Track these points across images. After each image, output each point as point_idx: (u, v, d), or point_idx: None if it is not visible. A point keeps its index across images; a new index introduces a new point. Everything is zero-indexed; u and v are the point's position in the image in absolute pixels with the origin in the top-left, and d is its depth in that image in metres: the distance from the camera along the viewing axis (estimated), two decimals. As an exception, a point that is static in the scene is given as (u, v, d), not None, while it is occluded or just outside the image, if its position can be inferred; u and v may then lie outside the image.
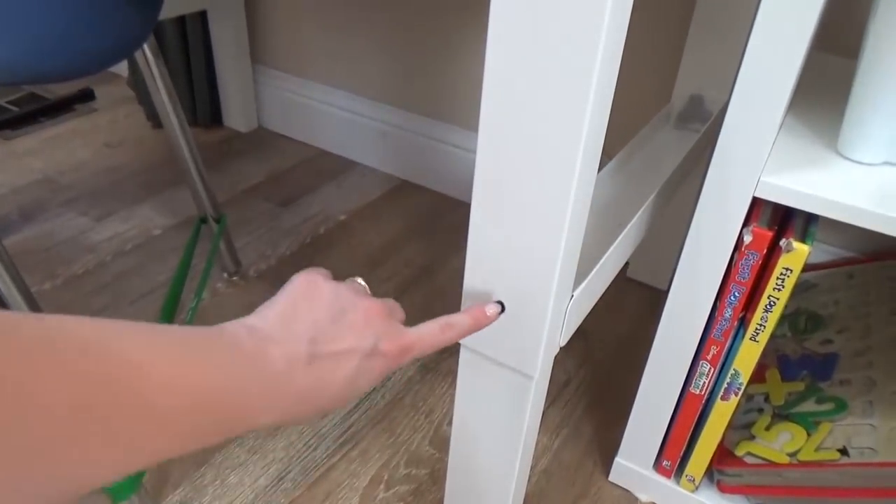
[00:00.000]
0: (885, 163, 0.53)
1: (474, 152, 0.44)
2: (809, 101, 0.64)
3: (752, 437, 0.67)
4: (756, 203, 0.52)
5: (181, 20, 1.31)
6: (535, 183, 0.43)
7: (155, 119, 1.43)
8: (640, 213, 0.59)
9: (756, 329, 0.55)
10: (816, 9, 0.44)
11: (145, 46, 0.78)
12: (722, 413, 0.62)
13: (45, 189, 1.21)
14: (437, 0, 1.12)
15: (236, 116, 1.44)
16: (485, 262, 0.48)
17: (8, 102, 1.47)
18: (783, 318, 0.79)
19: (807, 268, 0.87)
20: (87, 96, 1.53)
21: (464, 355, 0.55)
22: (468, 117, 1.19)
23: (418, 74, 1.21)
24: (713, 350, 0.59)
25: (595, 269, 0.52)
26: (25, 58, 0.50)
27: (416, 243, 1.14)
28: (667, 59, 0.95)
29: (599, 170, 0.51)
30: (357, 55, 1.26)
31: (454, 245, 1.14)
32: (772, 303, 0.53)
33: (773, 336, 0.77)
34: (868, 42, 0.49)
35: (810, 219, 0.54)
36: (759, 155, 0.49)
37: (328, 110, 1.35)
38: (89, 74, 0.56)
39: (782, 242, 0.51)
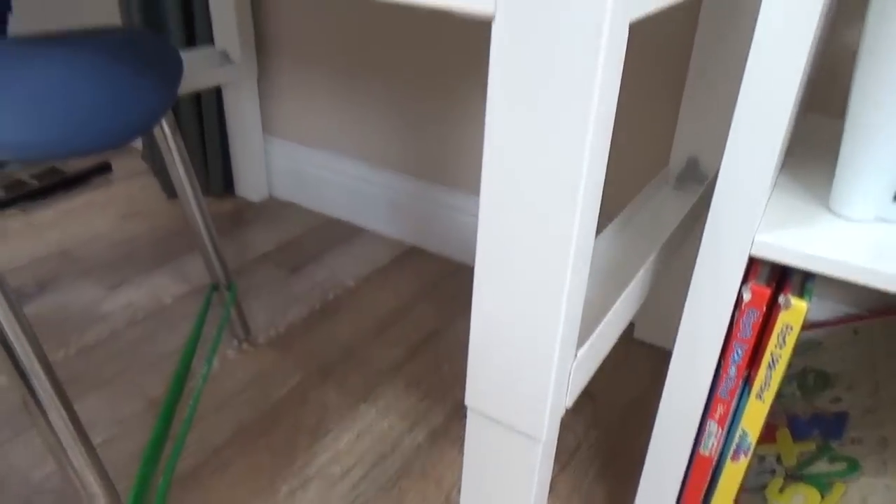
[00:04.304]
0: (877, 219, 0.54)
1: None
2: (801, 160, 0.66)
3: (766, 500, 0.66)
4: (755, 260, 0.54)
5: (196, 94, 1.37)
6: (534, 245, 0.44)
7: (169, 190, 1.48)
8: (641, 272, 0.60)
9: (761, 387, 0.56)
10: (798, 73, 0.47)
11: (163, 121, 0.82)
12: (733, 475, 0.61)
13: (61, 260, 1.24)
14: (440, 72, 1.17)
15: (248, 186, 1.48)
16: (489, 323, 0.50)
17: (29, 176, 1.52)
18: (791, 377, 0.79)
19: (812, 325, 0.87)
20: (104, 169, 1.58)
21: (471, 418, 0.56)
22: (474, 183, 1.22)
23: (424, 142, 1.25)
24: (720, 409, 0.59)
25: (598, 329, 0.53)
26: (52, 138, 0.53)
27: (423, 307, 1.15)
28: (664, 123, 0.99)
29: (602, 230, 0.53)
30: (365, 125, 1.31)
31: (462, 308, 1.15)
32: (774, 360, 0.54)
33: (781, 395, 0.77)
34: (853, 101, 0.51)
35: (808, 275, 0.55)
36: (752, 214, 0.51)
37: (337, 178, 1.39)
38: (110, 150, 0.59)
39: (780, 299, 0.52)
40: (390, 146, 1.30)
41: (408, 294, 1.18)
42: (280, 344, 1.05)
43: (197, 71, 1.24)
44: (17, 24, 1.83)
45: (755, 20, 0.80)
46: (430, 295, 1.18)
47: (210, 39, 1.33)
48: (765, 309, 0.53)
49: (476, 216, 1.22)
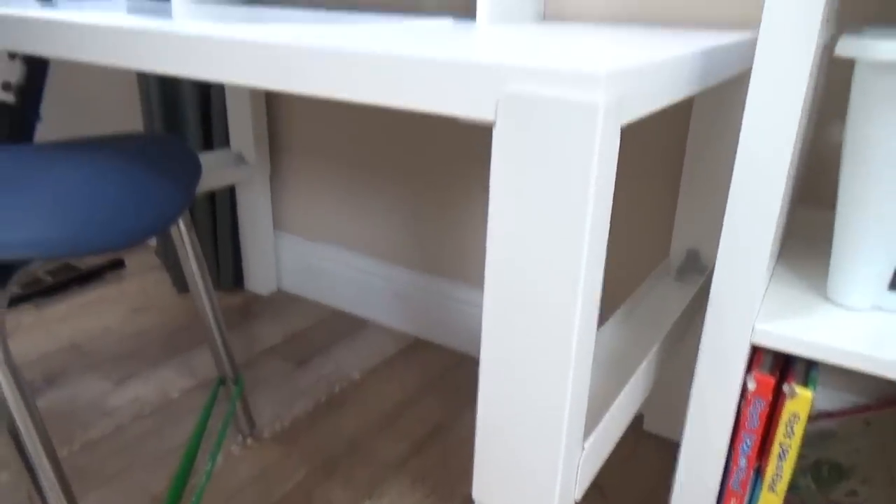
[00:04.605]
0: (874, 307, 0.55)
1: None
2: (796, 250, 0.68)
3: None
4: (756, 350, 0.54)
5: (211, 192, 1.42)
6: (537, 337, 0.45)
7: (180, 284, 1.50)
8: (645, 363, 0.61)
9: (773, 479, 0.55)
10: (785, 167, 0.49)
11: (180, 220, 0.85)
12: (751, 573, 0.59)
13: (70, 354, 1.25)
14: (443, 170, 1.21)
15: (257, 280, 1.51)
16: (495, 415, 0.50)
17: (44, 272, 1.55)
18: (805, 469, 0.77)
19: (824, 415, 0.86)
20: (117, 265, 1.62)
21: (478, 512, 0.55)
22: (477, 275, 1.24)
23: (428, 236, 1.28)
24: (733, 503, 0.58)
25: (604, 420, 0.53)
26: (75, 236, 0.56)
27: (429, 400, 1.14)
28: (662, 215, 1.02)
29: (605, 322, 0.54)
30: (371, 221, 1.35)
31: (467, 401, 1.14)
32: (784, 450, 0.53)
33: (796, 488, 0.75)
34: (842, 194, 0.54)
35: (811, 363, 0.56)
36: (751, 304, 0.52)
37: (344, 272, 1.41)
38: (129, 248, 0.62)
39: (785, 388, 0.53)
40: (396, 241, 1.33)
41: (413, 386, 1.18)
42: (285, 438, 1.03)
43: (214, 171, 1.30)
44: (47, 132, 1.93)
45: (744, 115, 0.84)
46: (436, 387, 1.18)
47: (226, 141, 1.39)
48: (771, 398, 0.53)
49: (479, 307, 1.24)
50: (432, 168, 1.23)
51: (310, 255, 1.46)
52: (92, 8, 0.88)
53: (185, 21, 0.65)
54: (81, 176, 0.67)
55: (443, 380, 1.20)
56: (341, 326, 1.39)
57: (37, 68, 1.32)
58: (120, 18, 0.65)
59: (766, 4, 0.47)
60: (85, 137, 0.83)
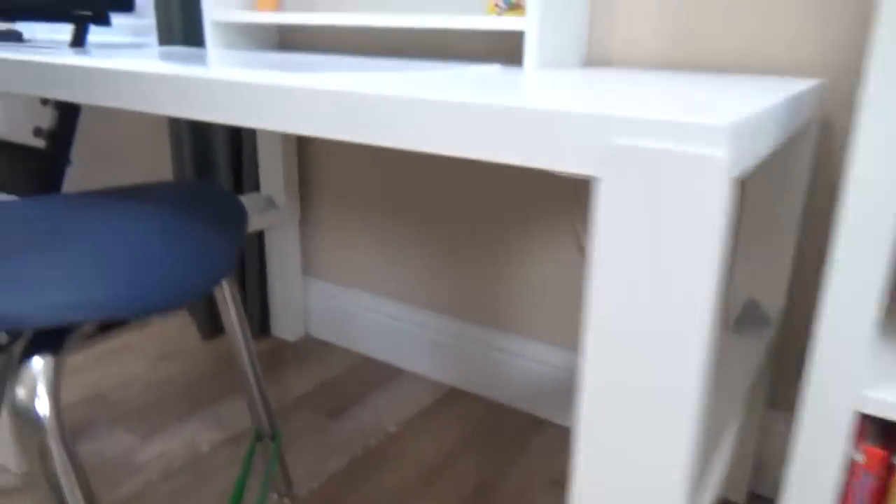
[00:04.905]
0: None
1: (526, 359, 0.44)
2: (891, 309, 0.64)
3: None
4: (862, 419, 0.50)
5: (240, 239, 1.40)
6: (646, 409, 0.41)
7: (205, 331, 1.47)
8: (731, 433, 0.57)
9: (884, 561, 0.50)
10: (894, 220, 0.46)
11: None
12: None
13: (95, 406, 1.21)
14: (477, 214, 1.19)
15: (285, 326, 1.47)
16: (593, 494, 0.46)
17: (66, 318, 1.52)
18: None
19: None
20: (141, 310, 1.59)
21: None
22: (518, 323, 1.20)
23: (463, 282, 1.24)
24: (836, 586, 0.53)
25: (701, 497, 0.49)
26: (119, 298, 0.53)
27: (470, 456, 1.09)
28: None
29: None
30: (403, 265, 1.32)
31: (511, 458, 1.09)
32: (899, 531, 0.49)
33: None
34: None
35: (920, 434, 0.52)
36: (858, 369, 0.48)
37: (375, 318, 1.38)
38: (175, 309, 0.59)
39: (899, 463, 0.48)
40: (429, 287, 1.30)
41: (452, 440, 1.13)
42: (321, 496, 0.99)
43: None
44: (74, 175, 1.93)
45: (808, 160, 0.81)
46: (476, 441, 1.13)
47: (255, 186, 1.37)
48: (882, 472, 0.49)
49: (518, 356, 1.19)
50: (466, 212, 1.21)
51: (339, 300, 1.43)
52: (125, 55, 0.87)
53: (251, 72, 0.63)
54: (125, 232, 0.64)
55: (482, 433, 1.15)
56: (373, 375, 1.34)
57: (68, 114, 1.31)
58: (158, 65, 0.63)
59: (873, 55, 0.45)
60: (121, 187, 0.81)
